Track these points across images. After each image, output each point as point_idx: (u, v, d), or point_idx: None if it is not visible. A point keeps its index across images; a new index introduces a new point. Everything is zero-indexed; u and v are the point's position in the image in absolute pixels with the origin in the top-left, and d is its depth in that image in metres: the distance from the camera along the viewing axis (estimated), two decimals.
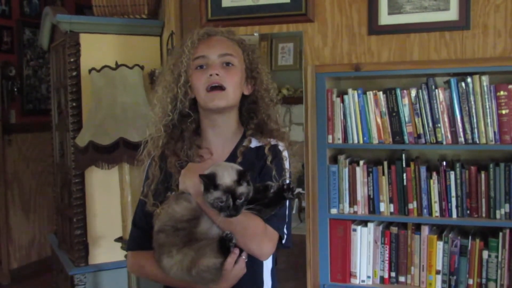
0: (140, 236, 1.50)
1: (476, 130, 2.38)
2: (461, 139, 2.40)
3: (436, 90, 2.42)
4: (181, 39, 1.69)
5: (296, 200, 3.21)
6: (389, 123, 2.49)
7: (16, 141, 4.78)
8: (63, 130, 3.24)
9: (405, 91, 2.47)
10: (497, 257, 2.37)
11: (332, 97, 2.56)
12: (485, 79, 2.36)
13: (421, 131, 2.45)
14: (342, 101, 2.55)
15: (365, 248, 2.57)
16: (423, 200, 2.46)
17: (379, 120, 2.51)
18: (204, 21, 2.82)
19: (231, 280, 1.36)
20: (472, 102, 2.38)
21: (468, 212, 2.41)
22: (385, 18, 2.59)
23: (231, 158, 1.51)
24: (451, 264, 2.44)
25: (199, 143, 1.55)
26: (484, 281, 2.39)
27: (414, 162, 2.48)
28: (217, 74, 1.47)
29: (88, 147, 2.62)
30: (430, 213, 2.46)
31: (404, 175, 2.48)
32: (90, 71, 2.83)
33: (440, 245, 2.45)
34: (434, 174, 2.44)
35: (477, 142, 2.38)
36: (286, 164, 1.52)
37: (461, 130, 2.40)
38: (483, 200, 2.39)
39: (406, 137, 2.47)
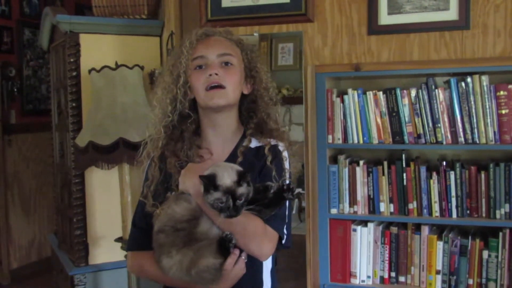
0: (140, 236, 1.50)
1: (476, 130, 2.38)
2: (461, 139, 2.40)
3: (436, 90, 2.42)
4: (181, 39, 1.69)
5: (296, 200, 3.21)
6: (389, 123, 2.49)
7: (16, 142, 4.78)
8: (63, 130, 3.24)
9: (405, 91, 2.47)
10: (497, 257, 2.37)
11: (332, 97, 2.56)
12: (485, 79, 2.36)
13: (421, 131, 2.45)
14: (342, 101, 2.55)
15: (365, 248, 2.57)
16: (423, 200, 2.46)
17: (379, 120, 2.51)
18: (204, 21, 2.82)
19: (230, 280, 1.36)
20: (472, 102, 2.38)
21: (468, 212, 2.41)
22: (385, 18, 2.59)
23: (231, 158, 1.51)
24: (451, 264, 2.44)
25: (199, 143, 1.55)
26: (484, 281, 2.39)
27: (414, 162, 2.48)
28: (216, 74, 1.47)
29: (88, 147, 2.62)
30: (430, 213, 2.46)
31: (404, 175, 2.48)
32: (90, 71, 2.83)
33: (440, 245, 2.45)
34: (434, 174, 2.44)
35: (477, 142, 2.38)
36: (286, 164, 1.52)
37: (461, 130, 2.40)
38: (483, 200, 2.39)
39: (406, 137, 2.47)
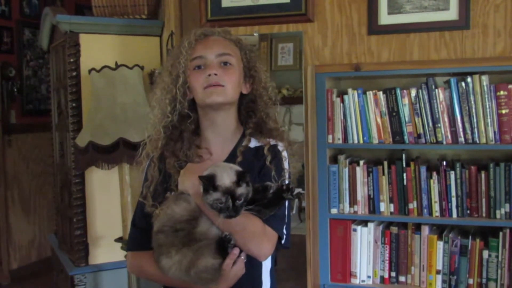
0: (140, 236, 1.50)
1: (476, 130, 2.38)
2: (461, 139, 2.40)
3: (436, 90, 2.42)
4: (181, 39, 1.69)
5: (296, 200, 3.21)
6: (389, 123, 2.49)
7: (16, 142, 4.78)
8: (63, 130, 3.24)
9: (405, 91, 2.47)
10: (497, 257, 2.37)
11: (332, 97, 2.56)
12: (485, 79, 2.36)
13: (421, 131, 2.45)
14: (342, 101, 2.55)
15: (365, 248, 2.57)
16: (423, 200, 2.46)
17: (379, 120, 2.51)
18: (204, 21, 2.82)
19: (230, 280, 1.36)
20: (472, 102, 2.38)
21: (468, 212, 2.41)
22: (385, 18, 2.59)
23: (231, 157, 1.50)
24: (451, 264, 2.44)
25: (198, 143, 1.55)
26: (484, 281, 2.39)
27: (414, 162, 2.48)
28: (215, 74, 1.47)
29: (88, 147, 2.62)
30: (430, 213, 2.46)
31: (404, 175, 2.48)
32: (90, 71, 2.83)
33: (440, 245, 2.45)
34: (434, 174, 2.44)
35: (477, 142, 2.38)
36: (286, 164, 1.52)
37: (461, 130, 2.40)
38: (483, 200, 2.39)
39: (406, 137, 2.47)
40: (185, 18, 2.96)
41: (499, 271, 2.37)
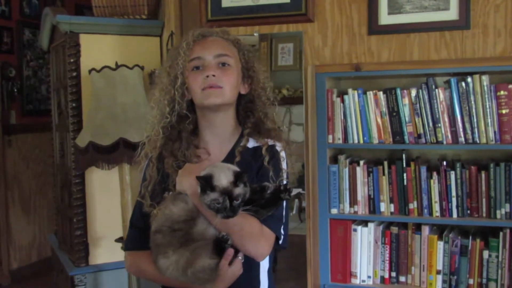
0: (138, 236, 1.50)
1: (476, 130, 2.37)
2: (461, 139, 2.40)
3: (436, 90, 2.42)
4: (181, 39, 1.69)
5: (296, 200, 3.22)
6: (389, 123, 2.49)
7: (16, 142, 4.78)
8: (63, 130, 3.24)
9: (405, 91, 2.47)
10: (497, 257, 2.36)
11: (332, 97, 2.56)
12: (485, 78, 2.36)
13: (421, 131, 2.45)
14: (342, 101, 2.55)
15: (366, 248, 2.57)
16: (424, 200, 2.45)
17: (379, 120, 2.50)
18: (204, 21, 2.81)
19: (227, 280, 1.36)
20: (472, 102, 2.37)
21: (469, 212, 2.41)
22: (385, 18, 2.59)
23: (229, 158, 1.50)
24: (451, 264, 2.43)
25: (197, 143, 1.55)
26: (484, 281, 2.39)
27: (414, 162, 2.48)
28: (213, 75, 1.47)
29: (88, 147, 2.62)
30: (431, 213, 2.45)
31: (405, 175, 2.48)
32: (90, 71, 2.83)
33: (440, 245, 2.45)
34: (435, 174, 2.44)
35: (477, 142, 2.38)
36: (284, 165, 1.51)
37: (461, 130, 2.40)
38: (484, 200, 2.38)
39: (406, 137, 2.47)
40: (185, 18, 2.96)
41: (500, 271, 2.36)
